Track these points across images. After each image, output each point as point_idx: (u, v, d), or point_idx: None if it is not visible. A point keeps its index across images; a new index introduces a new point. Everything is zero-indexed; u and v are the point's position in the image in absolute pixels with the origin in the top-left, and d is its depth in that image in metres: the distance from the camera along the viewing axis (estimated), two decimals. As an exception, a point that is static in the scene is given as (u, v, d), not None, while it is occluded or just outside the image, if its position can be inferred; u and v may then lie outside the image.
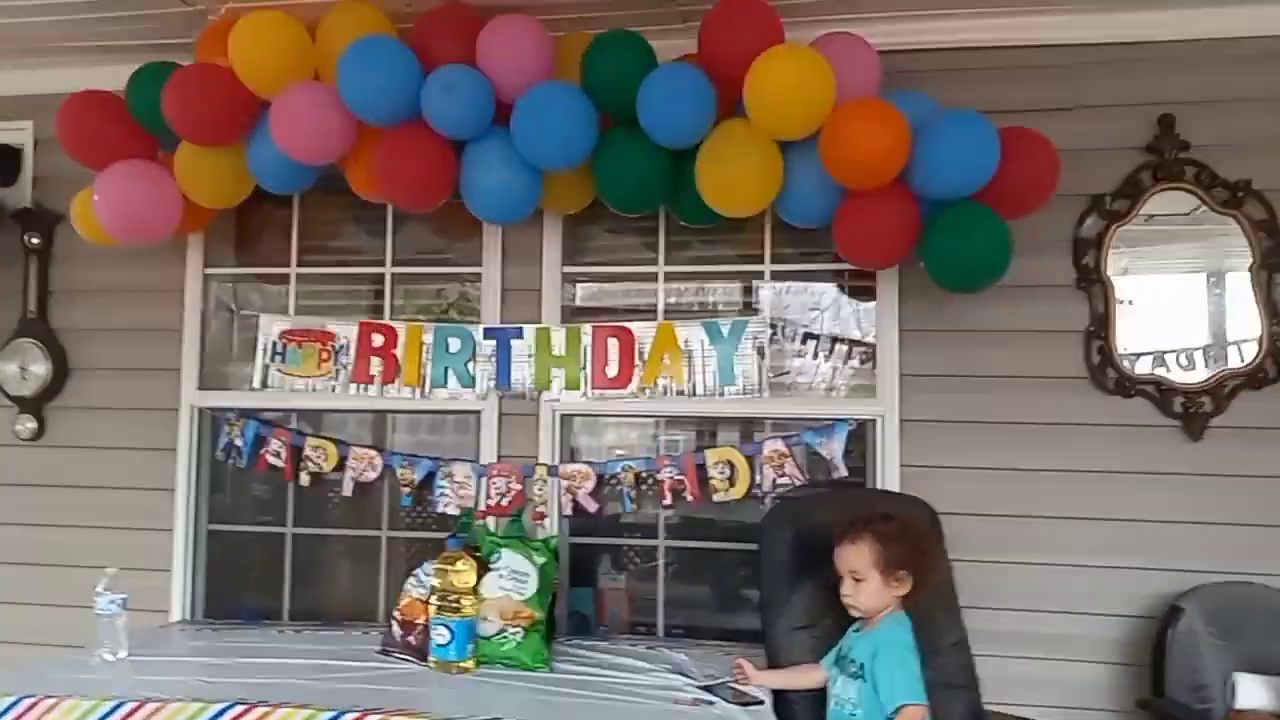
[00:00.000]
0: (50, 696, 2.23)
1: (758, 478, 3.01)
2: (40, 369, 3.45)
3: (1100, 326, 2.91)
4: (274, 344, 3.25)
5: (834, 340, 3.15)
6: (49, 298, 3.50)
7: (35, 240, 3.45)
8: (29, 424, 3.47)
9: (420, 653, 2.60)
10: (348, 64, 2.64)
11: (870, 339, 3.08)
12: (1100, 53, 2.94)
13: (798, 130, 2.54)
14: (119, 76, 3.02)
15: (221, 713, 2.17)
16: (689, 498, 3.04)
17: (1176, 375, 2.89)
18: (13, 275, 3.48)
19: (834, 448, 2.97)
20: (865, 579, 2.37)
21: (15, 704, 2.21)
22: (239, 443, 3.27)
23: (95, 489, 3.42)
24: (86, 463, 3.44)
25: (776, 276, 3.17)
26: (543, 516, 3.11)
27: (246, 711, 2.16)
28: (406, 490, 3.19)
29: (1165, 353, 2.92)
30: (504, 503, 3.11)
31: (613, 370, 3.10)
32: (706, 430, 3.26)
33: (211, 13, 2.99)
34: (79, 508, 3.42)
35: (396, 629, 2.69)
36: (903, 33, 2.94)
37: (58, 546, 3.42)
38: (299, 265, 3.41)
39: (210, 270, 3.43)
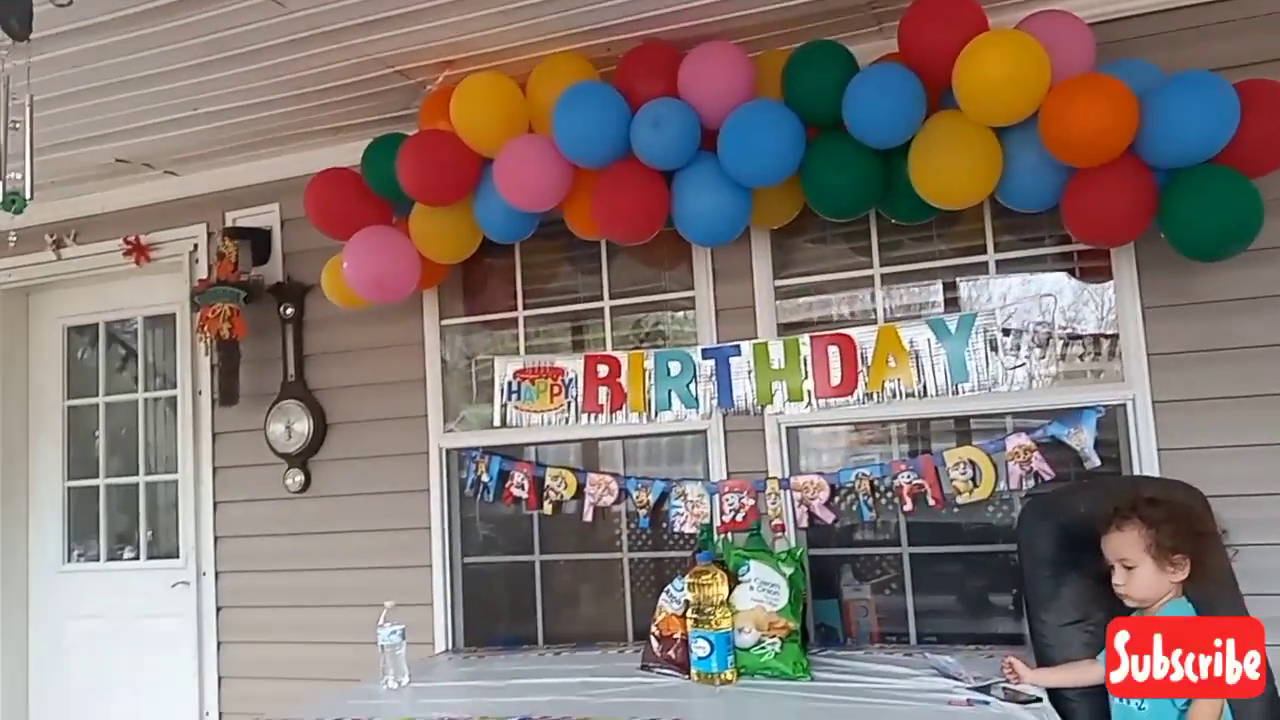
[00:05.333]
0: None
1: (1002, 476, 2.92)
2: (303, 426, 3.79)
3: (1371, 281, 2.67)
4: (509, 383, 3.45)
5: (1071, 324, 3.01)
6: (305, 361, 3.85)
7: (289, 310, 3.83)
8: (297, 477, 3.82)
9: (681, 666, 2.67)
10: (560, 113, 2.81)
11: (1110, 319, 2.93)
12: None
13: (1014, 116, 2.48)
14: (352, 153, 3.33)
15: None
16: (931, 502, 2.97)
17: None
18: (273, 344, 3.86)
19: (1083, 437, 2.84)
20: (1137, 566, 2.27)
21: (327, 728, 2.44)
22: (485, 478, 3.48)
23: (359, 532, 3.72)
24: (349, 509, 3.75)
25: (1002, 265, 3.05)
26: (782, 529, 3.13)
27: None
28: (643, 512, 3.30)
29: None
30: (738, 518, 3.15)
31: (836, 378, 3.09)
32: (918, 435, 3.19)
33: (429, 83, 3.23)
34: (346, 551, 3.73)
35: (655, 644, 2.78)
36: (1113, 1, 2.81)
37: (330, 589, 3.73)
38: (524, 308, 3.60)
39: (446, 321, 3.69)
